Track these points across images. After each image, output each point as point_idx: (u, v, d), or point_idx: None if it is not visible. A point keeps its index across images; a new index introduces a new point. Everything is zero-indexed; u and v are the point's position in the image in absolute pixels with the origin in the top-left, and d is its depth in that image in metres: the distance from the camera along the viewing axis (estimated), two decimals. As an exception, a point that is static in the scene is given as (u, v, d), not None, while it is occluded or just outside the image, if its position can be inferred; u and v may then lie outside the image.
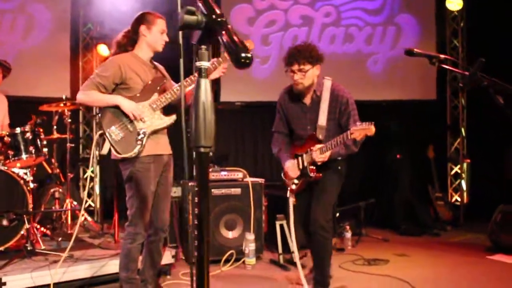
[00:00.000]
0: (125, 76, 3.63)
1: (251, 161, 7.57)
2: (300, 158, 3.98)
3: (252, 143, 7.68)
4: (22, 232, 4.53)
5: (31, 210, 4.58)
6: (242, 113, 7.67)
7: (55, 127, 5.45)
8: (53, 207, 5.41)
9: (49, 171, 5.50)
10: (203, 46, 1.45)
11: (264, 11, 7.46)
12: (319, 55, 3.95)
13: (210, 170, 5.19)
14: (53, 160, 5.60)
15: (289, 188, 4.09)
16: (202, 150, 1.43)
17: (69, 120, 5.22)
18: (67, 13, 7.01)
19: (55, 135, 5.39)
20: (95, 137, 3.71)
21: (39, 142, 4.92)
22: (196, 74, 3.47)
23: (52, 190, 5.45)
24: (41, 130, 4.98)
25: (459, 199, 7.60)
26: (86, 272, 4.25)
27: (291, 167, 4.02)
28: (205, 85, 1.42)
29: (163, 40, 3.79)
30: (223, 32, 1.35)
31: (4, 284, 3.85)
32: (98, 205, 6.88)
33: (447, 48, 7.62)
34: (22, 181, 4.59)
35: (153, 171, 3.71)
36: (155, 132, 3.71)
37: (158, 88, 3.74)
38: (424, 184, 7.10)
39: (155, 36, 3.75)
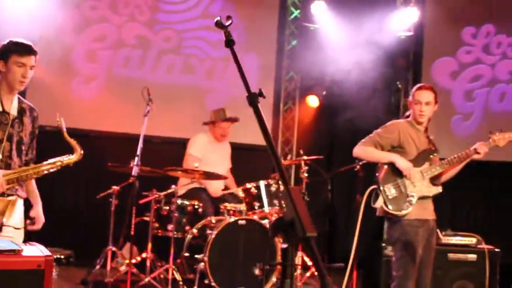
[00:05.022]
0: (402, 141, 4.30)
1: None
2: None
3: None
4: (271, 283, 5.22)
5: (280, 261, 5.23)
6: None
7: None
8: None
9: (275, 221, 6.17)
10: None
11: (468, 65, 7.86)
12: None
13: (443, 233, 5.65)
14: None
15: None
16: None
17: (306, 175, 5.88)
18: (273, 61, 7.82)
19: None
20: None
21: (280, 195, 5.64)
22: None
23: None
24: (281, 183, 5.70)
25: None
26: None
27: None
28: None
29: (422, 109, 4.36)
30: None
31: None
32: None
33: None
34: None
35: (421, 235, 4.27)
36: (422, 197, 4.29)
37: (430, 157, 4.35)
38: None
39: (415, 110, 4.37)
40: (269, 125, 7.71)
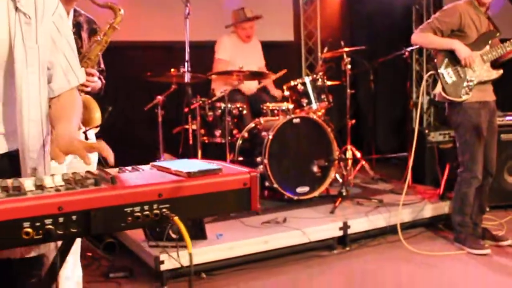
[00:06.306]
0: (463, 23, 4.18)
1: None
2: None
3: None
4: (330, 179, 5.19)
5: (338, 157, 5.21)
6: None
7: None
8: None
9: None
10: None
11: None
12: None
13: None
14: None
15: None
16: None
17: (349, 66, 5.69)
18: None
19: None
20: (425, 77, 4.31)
21: (326, 90, 5.50)
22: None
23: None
24: (325, 77, 5.53)
25: None
26: (408, 216, 4.88)
27: None
28: None
29: None
30: None
31: (349, 227, 4.55)
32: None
33: None
34: (329, 129, 5.21)
35: (483, 117, 4.28)
36: (481, 82, 4.24)
37: (490, 41, 4.27)
38: None
39: None
40: (289, 19, 7.50)
